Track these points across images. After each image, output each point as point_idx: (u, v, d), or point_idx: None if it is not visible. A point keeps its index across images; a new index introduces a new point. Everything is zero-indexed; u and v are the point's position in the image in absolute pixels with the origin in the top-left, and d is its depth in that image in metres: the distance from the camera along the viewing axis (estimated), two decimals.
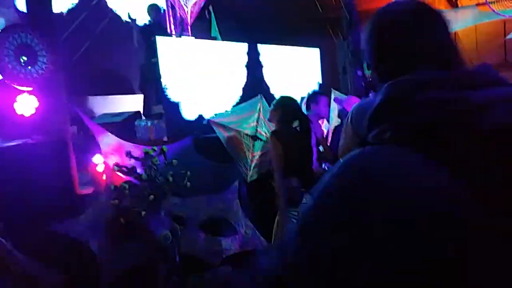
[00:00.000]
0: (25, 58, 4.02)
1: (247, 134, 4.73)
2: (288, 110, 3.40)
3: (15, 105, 4.19)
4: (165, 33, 6.88)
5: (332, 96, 5.82)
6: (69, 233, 3.76)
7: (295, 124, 3.37)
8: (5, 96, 4.33)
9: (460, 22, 8.64)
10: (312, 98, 4.57)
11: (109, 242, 3.85)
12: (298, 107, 3.56)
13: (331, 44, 8.07)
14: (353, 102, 4.59)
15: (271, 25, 8.59)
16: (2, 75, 4.13)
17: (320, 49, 7.74)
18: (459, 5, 9.07)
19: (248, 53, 6.42)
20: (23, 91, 4.18)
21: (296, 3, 8.93)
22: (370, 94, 7.91)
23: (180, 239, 3.92)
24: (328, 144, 5.25)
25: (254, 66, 6.39)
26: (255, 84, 6.14)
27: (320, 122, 4.94)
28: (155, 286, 3.65)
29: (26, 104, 4.19)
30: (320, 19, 7.99)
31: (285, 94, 3.80)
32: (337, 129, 4.79)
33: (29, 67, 4.05)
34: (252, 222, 4.72)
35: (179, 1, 8.56)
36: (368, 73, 8.46)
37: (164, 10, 7.82)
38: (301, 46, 7.33)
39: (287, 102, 3.49)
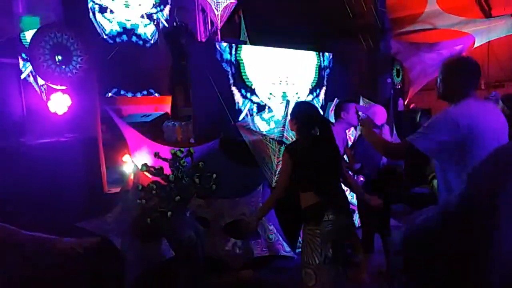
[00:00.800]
0: (60, 58, 4.13)
1: (273, 139, 4.73)
2: (305, 117, 3.15)
3: (49, 103, 4.31)
4: (193, 36, 6.93)
5: (361, 104, 5.78)
6: (96, 230, 3.83)
7: (315, 131, 3.12)
8: (40, 95, 4.47)
9: (494, 32, 8.47)
10: (342, 106, 4.49)
11: (134, 241, 3.90)
12: (316, 113, 3.29)
13: (361, 50, 8.00)
14: (377, 111, 4.51)
15: (301, 30, 8.58)
16: (37, 73, 4.25)
17: (350, 55, 7.68)
18: (493, 15, 8.88)
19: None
20: (57, 90, 4.30)
21: (327, 9, 8.90)
22: (399, 102, 7.77)
23: (204, 240, 3.95)
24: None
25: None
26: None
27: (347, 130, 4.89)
28: (177, 286, 3.68)
29: (60, 103, 4.31)
30: (351, 25, 7.94)
31: (302, 100, 3.65)
32: (361, 138, 4.68)
33: (64, 66, 4.16)
34: (276, 227, 4.72)
35: (210, 5, 8.65)
36: (397, 81, 8.37)
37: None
38: (330, 52, 7.30)
39: (304, 109, 3.26)
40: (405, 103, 8.85)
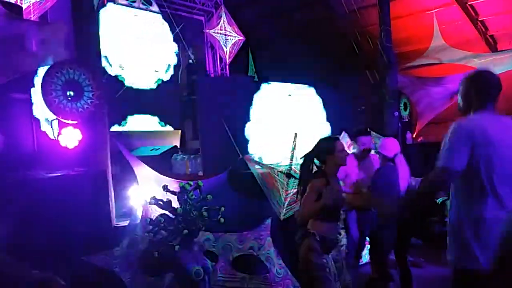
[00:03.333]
0: (71, 93, 4.22)
1: (281, 172, 4.74)
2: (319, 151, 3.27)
3: (60, 138, 4.37)
4: (205, 72, 7.08)
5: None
6: (104, 264, 3.81)
7: None
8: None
9: (500, 66, 8.53)
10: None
11: (141, 275, 3.87)
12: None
13: (368, 85, 8.09)
14: (385, 144, 4.52)
15: (308, 66, 8.72)
16: (49, 109, 4.33)
17: (356, 90, 7.77)
18: (498, 49, 8.97)
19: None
20: (68, 124, 4.37)
21: (334, 45, 9.07)
22: (407, 135, 7.77)
23: (211, 275, 3.91)
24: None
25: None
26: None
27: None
28: None
29: (70, 137, 4.37)
30: (358, 61, 8.06)
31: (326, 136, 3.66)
32: (379, 170, 4.64)
33: (75, 102, 4.24)
34: (285, 261, 4.65)
35: (219, 42, 8.86)
36: (405, 114, 8.39)
37: None
38: (337, 87, 7.38)
39: (320, 143, 3.37)
40: (413, 136, 8.85)
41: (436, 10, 8.51)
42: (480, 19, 8.86)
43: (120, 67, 7.13)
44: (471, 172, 2.29)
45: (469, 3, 8.65)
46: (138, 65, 7.43)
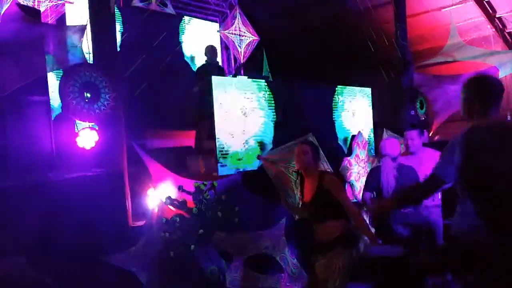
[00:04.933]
0: (88, 95, 4.28)
1: (295, 171, 4.74)
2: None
3: (77, 139, 4.45)
4: (221, 73, 7.08)
5: (384, 136, 5.76)
6: (120, 264, 3.86)
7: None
8: (69, 131, 4.61)
9: None
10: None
11: (157, 274, 3.92)
12: None
13: (384, 83, 8.05)
14: (390, 144, 4.50)
15: (323, 64, 8.70)
16: (66, 111, 4.40)
17: (372, 88, 7.73)
18: None
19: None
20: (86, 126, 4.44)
21: (348, 43, 9.02)
22: (424, 133, 7.73)
23: (226, 274, 3.94)
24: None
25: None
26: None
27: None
28: None
29: (87, 138, 4.44)
30: (373, 59, 8.01)
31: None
32: (373, 171, 4.65)
33: (92, 104, 4.30)
34: (299, 261, 4.66)
35: (233, 42, 8.89)
36: (421, 112, 8.34)
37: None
38: (353, 85, 7.35)
39: None
40: (430, 135, 8.77)
41: (452, 7, 8.42)
42: (497, 16, 8.73)
43: None
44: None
45: (486, 0, 8.54)
46: None
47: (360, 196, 5.41)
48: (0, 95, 3.96)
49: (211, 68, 6.74)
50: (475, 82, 2.43)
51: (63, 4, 6.10)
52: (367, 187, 4.48)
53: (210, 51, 6.92)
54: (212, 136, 5.83)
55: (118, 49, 5.54)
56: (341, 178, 5.18)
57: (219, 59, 9.47)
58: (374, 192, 4.40)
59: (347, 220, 3.31)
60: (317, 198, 3.31)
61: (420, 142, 4.55)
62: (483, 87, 2.39)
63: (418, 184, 2.93)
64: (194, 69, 8.04)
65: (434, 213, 4.48)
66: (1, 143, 3.99)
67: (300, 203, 3.54)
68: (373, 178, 4.43)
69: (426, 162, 4.23)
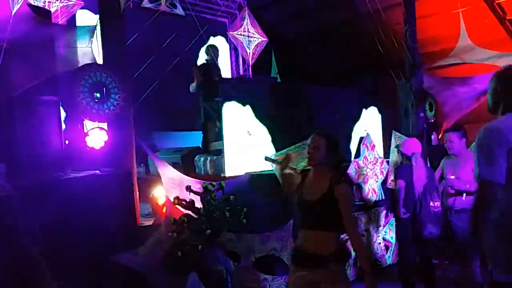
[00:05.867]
0: (98, 95, 4.31)
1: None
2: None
3: (87, 139, 4.48)
4: (218, 73, 7.04)
5: (393, 138, 5.74)
6: (129, 263, 3.88)
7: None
8: (79, 130, 4.65)
9: None
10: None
11: (165, 274, 3.93)
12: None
13: (393, 85, 8.01)
14: (411, 145, 4.53)
15: (332, 66, 8.68)
16: (76, 110, 4.44)
17: (381, 90, 7.70)
18: None
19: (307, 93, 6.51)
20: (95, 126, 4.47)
21: (357, 45, 8.99)
22: (433, 136, 7.69)
23: (233, 275, 3.93)
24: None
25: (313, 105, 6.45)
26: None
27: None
28: None
29: (97, 138, 4.47)
30: (382, 61, 7.98)
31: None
32: (400, 170, 4.68)
33: (102, 104, 4.33)
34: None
35: (242, 43, 8.90)
36: (430, 115, 8.27)
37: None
38: (361, 87, 7.33)
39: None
40: (439, 137, 8.71)
41: (462, 9, 8.36)
42: (508, 18, 8.65)
43: None
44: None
45: (496, 2, 8.46)
46: None
47: (368, 197, 5.40)
48: (11, 95, 4.00)
49: (211, 67, 6.71)
50: (503, 74, 2.30)
51: (74, 5, 6.14)
52: (401, 177, 4.52)
53: (211, 51, 6.88)
54: (219, 137, 5.85)
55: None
56: (349, 180, 5.16)
57: (227, 60, 9.50)
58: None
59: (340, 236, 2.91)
60: (325, 200, 2.79)
61: (461, 144, 4.40)
62: (508, 78, 2.27)
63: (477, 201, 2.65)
64: None
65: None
66: (11, 142, 4.03)
67: (301, 200, 2.93)
68: (405, 173, 4.49)
69: (467, 166, 4.16)
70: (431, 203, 4.35)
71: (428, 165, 5.26)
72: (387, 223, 5.68)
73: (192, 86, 6.67)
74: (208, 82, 6.38)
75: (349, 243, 3.06)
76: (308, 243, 2.83)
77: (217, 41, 9.07)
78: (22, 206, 2.96)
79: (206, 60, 6.81)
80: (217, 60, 6.86)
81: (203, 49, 7.66)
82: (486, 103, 2.38)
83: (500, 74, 2.30)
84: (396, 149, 5.23)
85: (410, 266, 4.60)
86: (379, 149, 6.25)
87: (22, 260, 2.83)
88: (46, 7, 5.52)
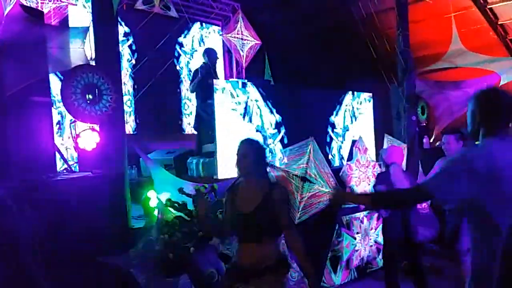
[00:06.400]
0: (90, 97, 4.29)
1: (296, 175, 4.74)
2: None
3: (78, 140, 4.46)
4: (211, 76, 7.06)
5: (385, 141, 5.77)
6: (119, 265, 3.86)
7: None
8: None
9: None
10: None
11: (156, 276, 3.91)
12: None
13: (385, 89, 8.05)
14: (392, 154, 4.56)
15: (325, 69, 8.71)
16: (68, 111, 4.42)
17: (373, 94, 7.74)
18: None
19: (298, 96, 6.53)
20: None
21: (350, 49, 9.04)
22: (425, 139, 7.73)
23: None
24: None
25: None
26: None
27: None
28: None
29: (89, 139, 4.45)
30: (374, 64, 8.02)
31: None
32: (381, 175, 4.72)
33: (94, 105, 4.31)
34: (299, 265, 4.65)
35: (235, 46, 8.92)
36: (422, 118, 8.33)
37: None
38: (354, 90, 7.37)
39: None
40: (431, 141, 8.77)
41: (455, 14, 8.43)
42: (499, 23, 8.74)
43: None
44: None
45: (488, 6, 8.55)
46: None
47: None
48: (3, 96, 3.97)
49: (206, 70, 6.71)
50: (482, 97, 2.16)
51: (67, 6, 6.13)
52: (380, 182, 4.52)
53: (207, 54, 6.86)
54: (212, 139, 5.86)
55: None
56: (341, 182, 5.18)
57: (221, 62, 9.49)
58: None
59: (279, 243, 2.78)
60: (261, 210, 2.63)
61: (458, 147, 4.39)
62: (491, 102, 2.12)
63: (403, 191, 2.75)
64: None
65: None
66: (2, 143, 4.00)
67: (232, 214, 2.78)
68: (384, 179, 4.48)
69: None
70: (418, 205, 4.35)
71: (421, 169, 5.30)
72: (378, 225, 5.70)
73: (190, 88, 6.71)
74: (202, 84, 6.37)
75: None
76: (244, 256, 2.69)
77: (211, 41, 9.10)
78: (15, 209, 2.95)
79: (203, 62, 6.82)
80: (215, 63, 6.85)
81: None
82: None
83: (479, 97, 2.15)
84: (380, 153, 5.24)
85: (396, 269, 4.60)
86: (371, 152, 6.28)
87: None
88: (39, 8, 5.50)
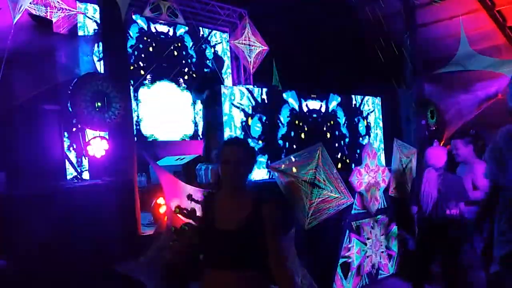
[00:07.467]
0: (99, 104, 4.31)
1: (305, 181, 4.71)
2: None
3: (88, 148, 4.48)
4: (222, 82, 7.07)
5: (394, 146, 5.72)
6: (130, 273, 3.85)
7: None
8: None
9: None
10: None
11: (166, 284, 3.90)
12: None
13: (394, 93, 8.02)
14: (436, 154, 4.52)
15: (333, 74, 8.69)
16: (78, 119, 4.44)
17: (382, 98, 7.70)
18: None
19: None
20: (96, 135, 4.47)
21: (358, 53, 9.02)
22: (435, 144, 7.69)
23: None
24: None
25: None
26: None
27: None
28: None
29: (98, 147, 4.47)
30: (382, 69, 8.00)
31: None
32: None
33: (103, 113, 4.33)
34: (309, 271, 4.61)
35: (243, 52, 8.93)
36: (432, 122, 8.29)
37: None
38: (363, 95, 7.34)
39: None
40: (441, 144, 8.70)
41: (463, 16, 8.38)
42: (508, 25, 8.69)
43: None
44: None
45: (497, 9, 8.50)
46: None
47: (370, 205, 5.36)
48: (13, 104, 4.00)
49: (213, 76, 6.73)
50: None
51: (75, 15, 6.18)
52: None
53: (215, 60, 6.89)
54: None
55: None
56: (350, 188, 5.14)
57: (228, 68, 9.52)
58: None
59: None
60: (250, 226, 2.10)
61: (467, 151, 4.39)
62: None
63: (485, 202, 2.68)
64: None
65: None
66: (13, 151, 4.03)
67: (213, 232, 2.17)
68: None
69: (478, 172, 4.14)
70: (447, 211, 4.32)
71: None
72: (389, 231, 5.65)
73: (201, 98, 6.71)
74: (210, 90, 6.38)
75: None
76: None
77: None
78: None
79: (211, 69, 6.85)
80: (221, 69, 6.87)
81: None
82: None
83: None
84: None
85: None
86: (381, 157, 6.24)
87: None
88: (48, 17, 5.56)
